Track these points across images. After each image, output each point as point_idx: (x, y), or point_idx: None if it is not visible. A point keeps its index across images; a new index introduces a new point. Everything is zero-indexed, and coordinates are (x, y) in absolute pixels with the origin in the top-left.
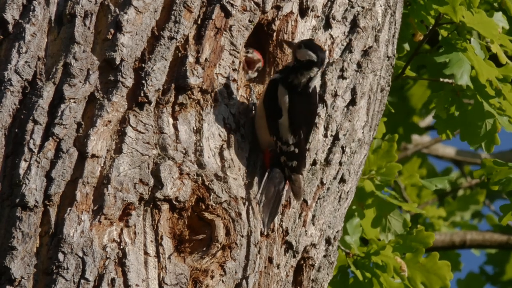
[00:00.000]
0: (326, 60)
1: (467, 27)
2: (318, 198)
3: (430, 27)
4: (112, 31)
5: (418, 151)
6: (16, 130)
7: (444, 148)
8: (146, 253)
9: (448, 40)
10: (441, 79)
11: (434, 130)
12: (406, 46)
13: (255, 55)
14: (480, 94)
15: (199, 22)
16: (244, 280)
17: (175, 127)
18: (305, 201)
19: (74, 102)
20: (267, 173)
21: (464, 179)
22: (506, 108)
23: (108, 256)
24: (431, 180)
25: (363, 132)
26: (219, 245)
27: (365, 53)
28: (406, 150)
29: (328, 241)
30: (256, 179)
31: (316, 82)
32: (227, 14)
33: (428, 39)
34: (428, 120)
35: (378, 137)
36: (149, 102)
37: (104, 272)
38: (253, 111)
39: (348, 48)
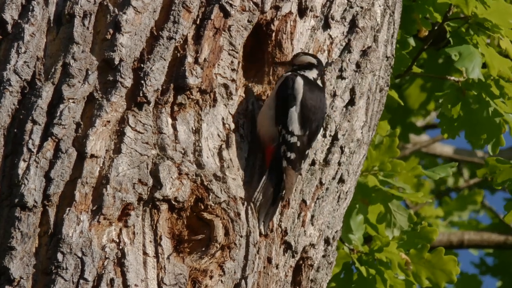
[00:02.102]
0: (324, 61)
1: (479, 19)
2: (317, 198)
3: (438, 22)
4: (111, 31)
5: (417, 151)
6: (15, 130)
7: (442, 147)
8: (145, 253)
9: (458, 33)
10: (447, 77)
11: (432, 129)
12: (412, 42)
13: None
14: (486, 93)
15: (198, 22)
16: (243, 280)
17: (174, 127)
18: (304, 201)
19: (73, 102)
20: (266, 173)
21: (462, 177)
22: (509, 107)
23: (107, 256)
24: (434, 169)
25: (362, 132)
26: (218, 245)
27: (364, 53)
28: (405, 149)
29: (327, 241)
30: (255, 179)
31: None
32: (226, 14)
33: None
34: (426, 119)
35: (382, 134)
36: (148, 102)
37: (103, 272)
38: (252, 107)
39: (347, 48)
